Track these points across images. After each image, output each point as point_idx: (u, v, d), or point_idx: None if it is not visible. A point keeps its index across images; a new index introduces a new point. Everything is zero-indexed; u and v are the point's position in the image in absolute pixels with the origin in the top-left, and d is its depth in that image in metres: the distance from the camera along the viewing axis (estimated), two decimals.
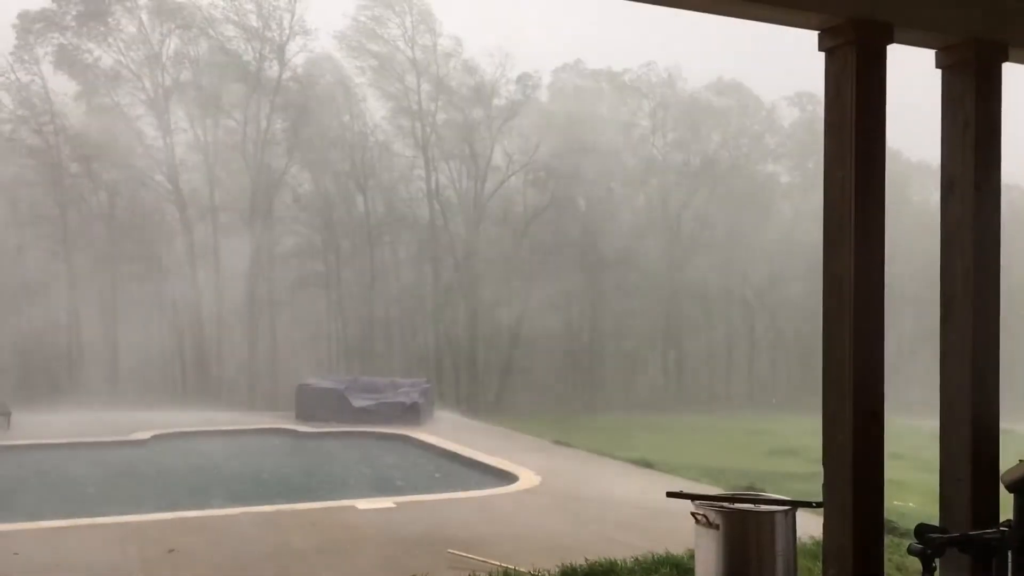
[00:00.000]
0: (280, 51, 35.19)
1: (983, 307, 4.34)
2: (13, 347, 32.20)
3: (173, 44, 34.18)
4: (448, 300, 37.09)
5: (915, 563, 5.59)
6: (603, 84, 41.40)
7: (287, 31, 35.19)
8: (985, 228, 4.35)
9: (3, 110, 32.59)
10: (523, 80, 38.60)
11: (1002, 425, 4.48)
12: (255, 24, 34.93)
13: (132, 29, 33.55)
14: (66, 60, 32.93)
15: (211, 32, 34.47)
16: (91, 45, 33.23)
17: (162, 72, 33.96)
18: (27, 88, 32.69)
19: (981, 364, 4.34)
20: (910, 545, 3.60)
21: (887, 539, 5.87)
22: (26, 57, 32.61)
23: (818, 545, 6.73)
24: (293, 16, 34.99)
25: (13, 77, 32.48)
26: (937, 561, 3.59)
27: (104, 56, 33.32)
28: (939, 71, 4.56)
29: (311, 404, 20.41)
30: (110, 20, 33.32)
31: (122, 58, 33.48)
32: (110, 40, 33.33)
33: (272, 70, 35.15)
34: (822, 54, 4.28)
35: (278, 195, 35.56)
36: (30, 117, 32.76)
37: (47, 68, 32.81)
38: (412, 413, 19.73)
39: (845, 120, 4.12)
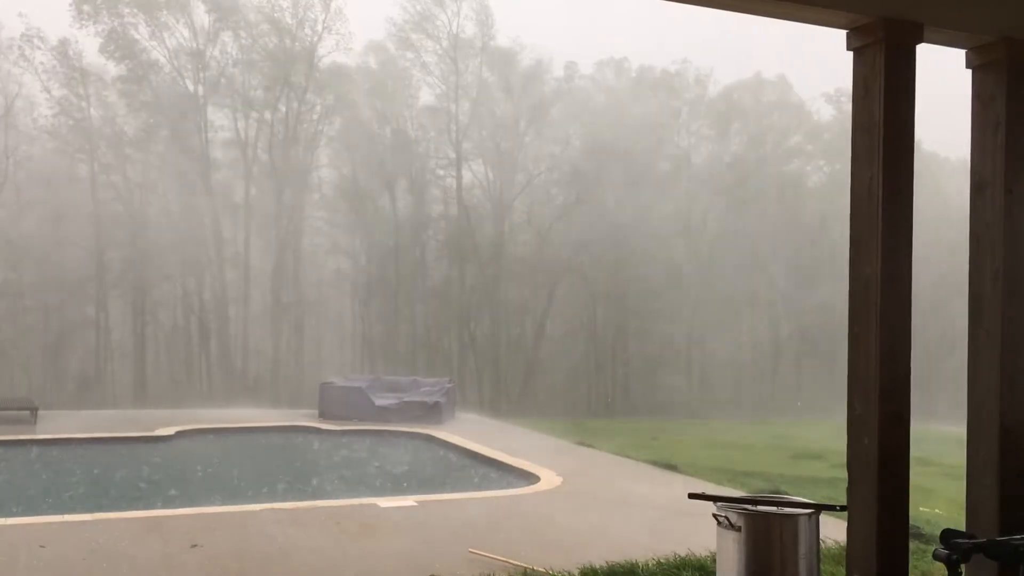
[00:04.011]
0: (311, 49, 35.32)
1: (1013, 309, 4.28)
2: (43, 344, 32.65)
3: (207, 37, 34.50)
4: (473, 300, 37.12)
5: (941, 569, 5.52)
6: (635, 82, 41.30)
7: (319, 28, 35.34)
8: (1016, 229, 4.29)
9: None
10: (560, 76, 38.69)
11: None
12: (289, 21, 35.10)
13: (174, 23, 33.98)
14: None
15: (243, 27, 34.68)
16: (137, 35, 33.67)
17: (200, 67, 34.30)
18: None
19: (1010, 367, 4.28)
20: (936, 550, 3.55)
21: (912, 545, 5.81)
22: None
23: (842, 549, 6.67)
24: (328, 14, 35.16)
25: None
26: (963, 567, 3.54)
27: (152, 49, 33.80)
28: (969, 71, 4.51)
29: (334, 402, 20.46)
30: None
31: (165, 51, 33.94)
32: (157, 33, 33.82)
33: (302, 67, 35.29)
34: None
35: (305, 193, 35.73)
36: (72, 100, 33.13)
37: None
38: (434, 412, 19.74)
39: (873, 120, 4.08)
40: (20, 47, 32.05)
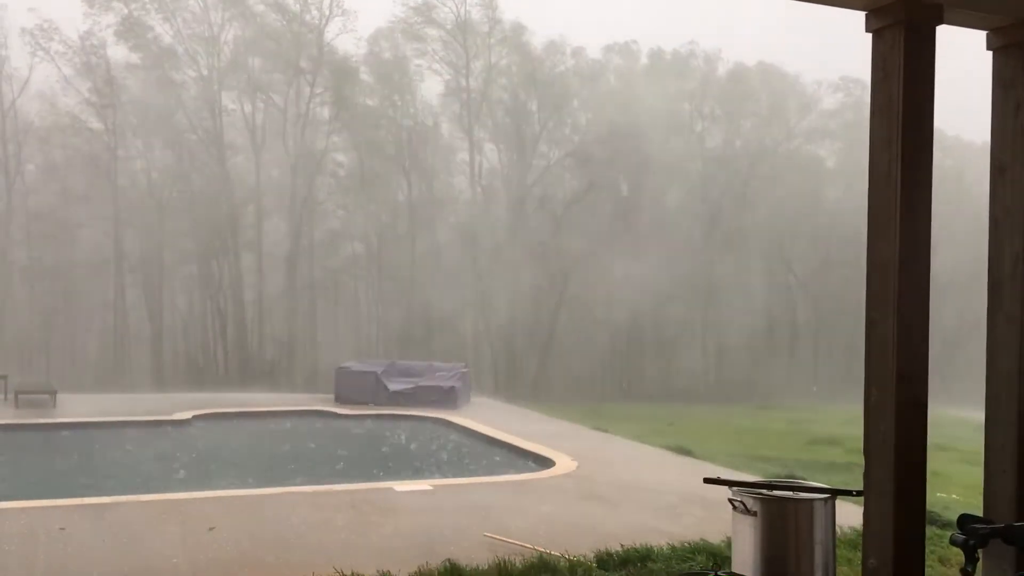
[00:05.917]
0: (319, 32, 35.24)
1: None
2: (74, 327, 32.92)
3: (220, 23, 34.49)
4: (488, 285, 37.10)
5: (958, 555, 5.50)
6: (649, 65, 41.05)
7: (327, 12, 35.26)
8: None
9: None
10: (571, 61, 38.50)
11: None
12: (295, 6, 35.06)
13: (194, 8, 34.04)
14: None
15: (252, 12, 34.64)
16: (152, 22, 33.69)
17: (217, 54, 34.34)
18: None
19: None
20: (952, 535, 3.53)
21: (929, 530, 5.79)
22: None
23: (858, 535, 6.66)
24: None
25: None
26: (980, 552, 3.52)
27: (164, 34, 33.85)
28: (990, 53, 4.45)
29: (349, 387, 20.54)
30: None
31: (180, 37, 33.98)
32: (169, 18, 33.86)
33: (313, 51, 35.23)
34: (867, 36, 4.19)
35: (320, 178, 35.75)
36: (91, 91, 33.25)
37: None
38: (449, 397, 19.79)
39: (892, 103, 4.02)
40: (38, 34, 32.23)
